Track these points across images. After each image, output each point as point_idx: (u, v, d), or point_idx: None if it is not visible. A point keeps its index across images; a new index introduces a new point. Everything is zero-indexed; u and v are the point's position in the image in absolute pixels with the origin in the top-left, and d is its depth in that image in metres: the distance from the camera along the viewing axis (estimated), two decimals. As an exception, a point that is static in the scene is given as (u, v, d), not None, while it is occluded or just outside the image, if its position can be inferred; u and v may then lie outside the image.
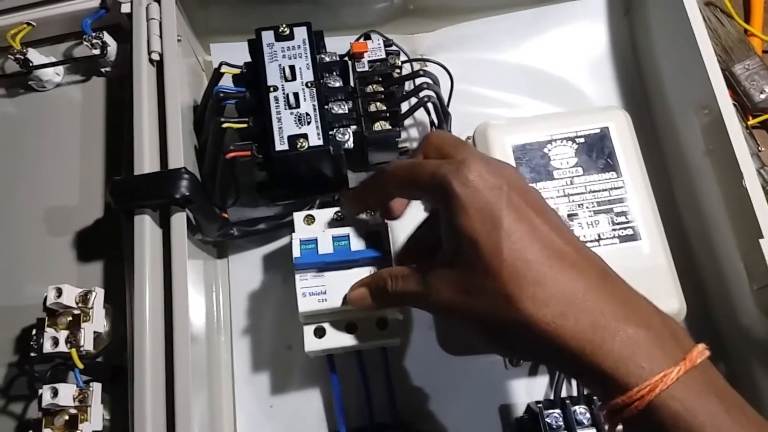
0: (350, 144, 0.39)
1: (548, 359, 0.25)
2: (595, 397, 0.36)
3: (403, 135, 0.46)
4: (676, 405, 0.22)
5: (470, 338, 0.28)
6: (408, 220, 0.35)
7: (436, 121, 0.43)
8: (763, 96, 0.44)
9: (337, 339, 0.36)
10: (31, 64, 0.42)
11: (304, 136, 0.37)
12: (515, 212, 0.25)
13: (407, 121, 0.46)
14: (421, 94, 0.40)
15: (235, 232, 0.41)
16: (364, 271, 0.34)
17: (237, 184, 0.43)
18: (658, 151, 0.45)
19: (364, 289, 0.32)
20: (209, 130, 0.40)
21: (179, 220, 0.34)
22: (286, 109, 0.38)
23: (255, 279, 0.43)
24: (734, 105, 0.45)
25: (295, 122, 0.37)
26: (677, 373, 0.23)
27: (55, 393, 0.31)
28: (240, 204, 0.44)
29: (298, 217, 0.38)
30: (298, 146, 0.37)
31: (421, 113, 0.45)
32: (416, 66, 0.44)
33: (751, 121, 0.44)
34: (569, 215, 0.38)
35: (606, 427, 0.26)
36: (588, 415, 0.36)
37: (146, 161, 0.35)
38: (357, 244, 0.35)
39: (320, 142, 0.37)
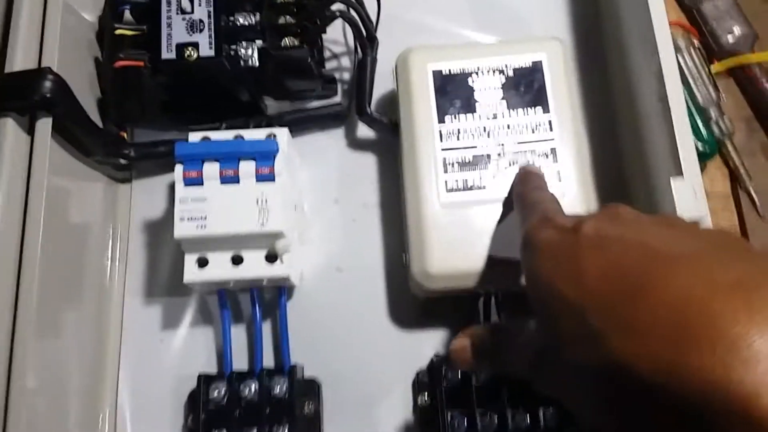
0: (255, 61, 0.36)
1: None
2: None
3: (334, 63, 0.42)
4: None
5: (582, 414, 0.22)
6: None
7: (360, 47, 0.39)
8: (731, 38, 0.39)
9: (221, 271, 0.34)
10: None
11: (194, 44, 0.34)
12: (593, 247, 0.21)
13: (335, 48, 0.42)
14: (334, 7, 0.36)
15: (132, 153, 0.38)
16: (251, 193, 0.33)
17: (143, 102, 0.40)
18: (608, 90, 0.40)
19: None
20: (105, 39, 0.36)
21: (44, 126, 0.31)
22: (177, 14, 0.34)
23: (158, 207, 0.40)
24: (698, 49, 0.40)
25: (186, 29, 0.34)
26: None
27: None
28: (151, 127, 0.40)
29: (194, 137, 0.35)
30: (186, 56, 0.33)
31: (349, 39, 0.41)
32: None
33: (716, 66, 0.39)
34: (488, 155, 0.35)
35: None
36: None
37: (17, 61, 0.32)
38: None
39: (211, 53, 0.34)
